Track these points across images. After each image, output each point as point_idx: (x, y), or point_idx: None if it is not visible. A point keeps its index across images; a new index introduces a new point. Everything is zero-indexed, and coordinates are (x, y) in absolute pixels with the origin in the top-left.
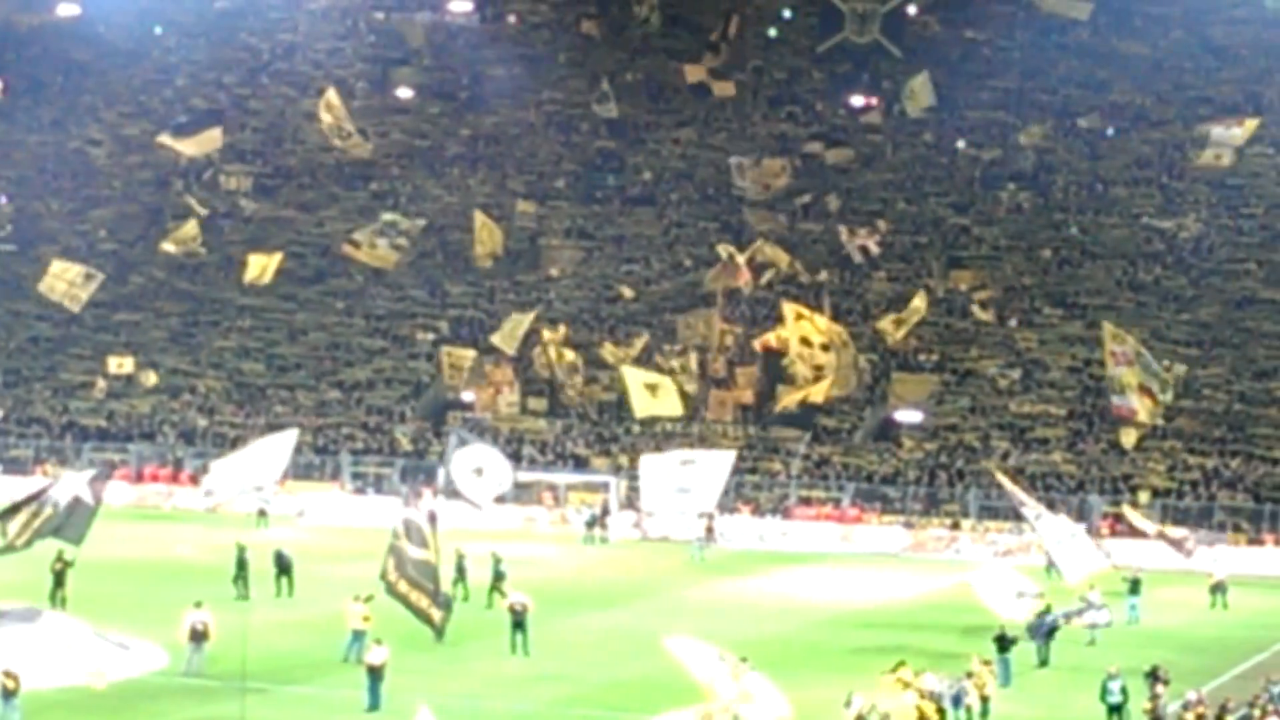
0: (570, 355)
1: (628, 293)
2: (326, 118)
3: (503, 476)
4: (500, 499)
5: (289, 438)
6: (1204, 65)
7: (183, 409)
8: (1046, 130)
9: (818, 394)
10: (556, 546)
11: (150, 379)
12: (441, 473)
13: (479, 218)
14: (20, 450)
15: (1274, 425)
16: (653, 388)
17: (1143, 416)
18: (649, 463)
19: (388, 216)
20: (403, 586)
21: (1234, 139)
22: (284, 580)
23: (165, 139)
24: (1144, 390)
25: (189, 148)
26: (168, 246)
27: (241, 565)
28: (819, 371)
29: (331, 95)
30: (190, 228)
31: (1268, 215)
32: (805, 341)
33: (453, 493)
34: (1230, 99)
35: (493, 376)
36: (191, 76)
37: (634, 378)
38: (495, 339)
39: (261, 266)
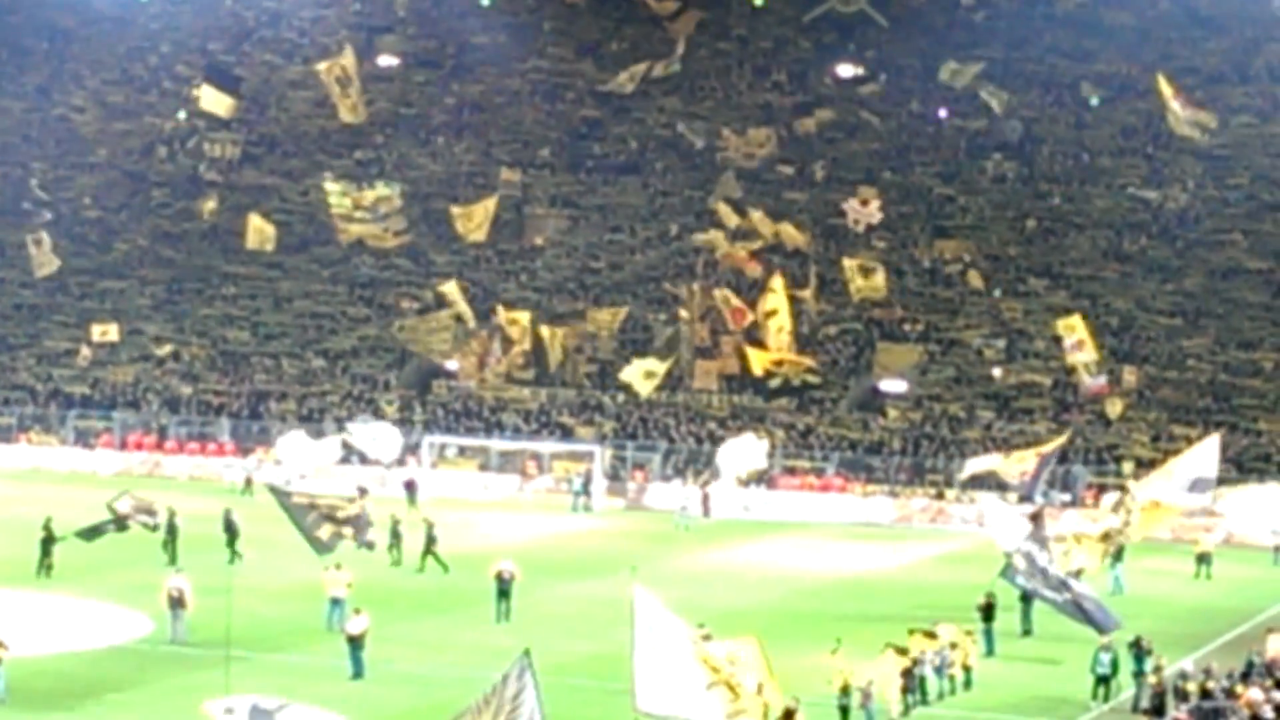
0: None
1: (612, 261)
2: (337, 74)
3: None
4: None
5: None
6: (1191, 35)
7: (166, 377)
8: (1012, 96)
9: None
10: (541, 515)
11: (165, 349)
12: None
13: (456, 211)
14: (4, 418)
15: (1258, 395)
16: (651, 374)
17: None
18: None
19: (369, 192)
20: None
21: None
22: (232, 546)
23: (204, 89)
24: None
25: (213, 106)
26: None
27: (172, 531)
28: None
29: (348, 54)
30: (210, 203)
31: (1253, 186)
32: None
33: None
34: (1217, 69)
35: (476, 345)
36: (176, 44)
37: (636, 367)
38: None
39: (259, 230)
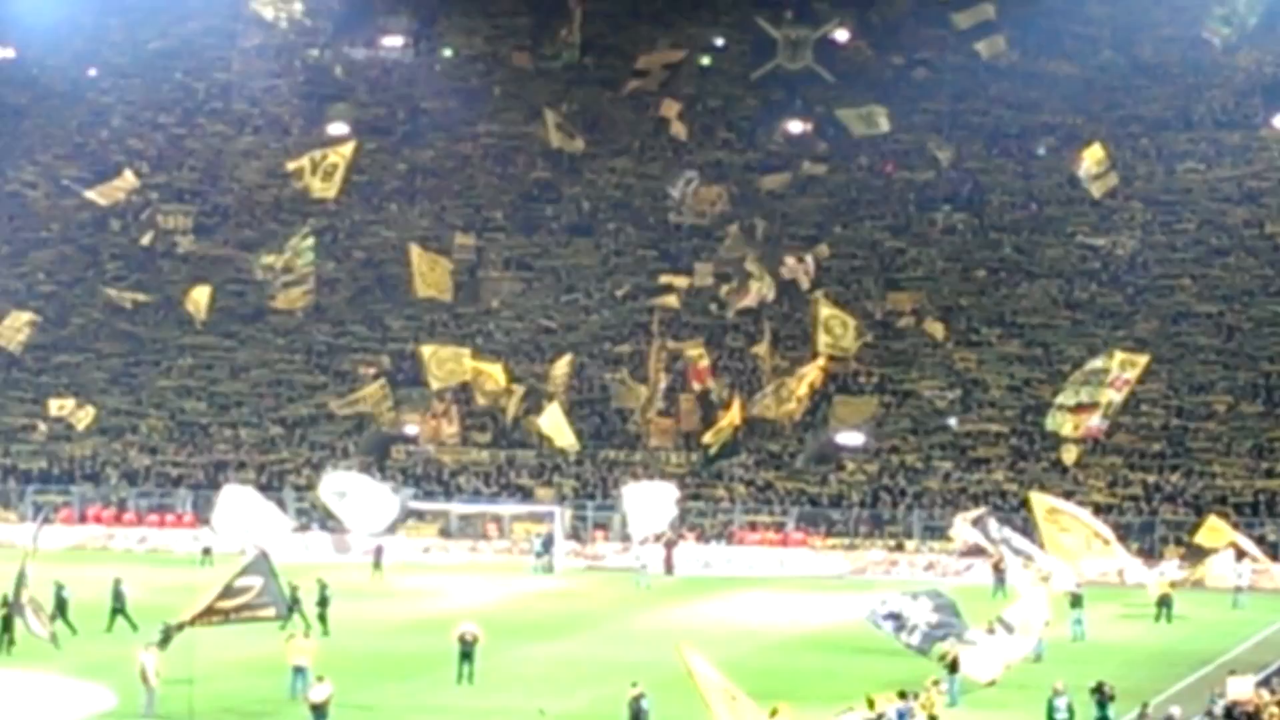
0: (502, 384)
1: (567, 323)
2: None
3: (379, 503)
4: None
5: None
6: (1134, 84)
7: (125, 449)
8: (957, 150)
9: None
10: (502, 577)
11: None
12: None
13: (415, 252)
14: None
15: (1212, 439)
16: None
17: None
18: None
19: (267, 260)
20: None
21: (1093, 169)
22: (119, 614)
23: (90, 194)
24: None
25: (108, 197)
26: (111, 293)
27: (61, 605)
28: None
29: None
30: (128, 293)
31: (1200, 231)
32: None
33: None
34: (1161, 116)
35: (435, 409)
36: (127, 118)
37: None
38: (431, 378)
39: (195, 302)
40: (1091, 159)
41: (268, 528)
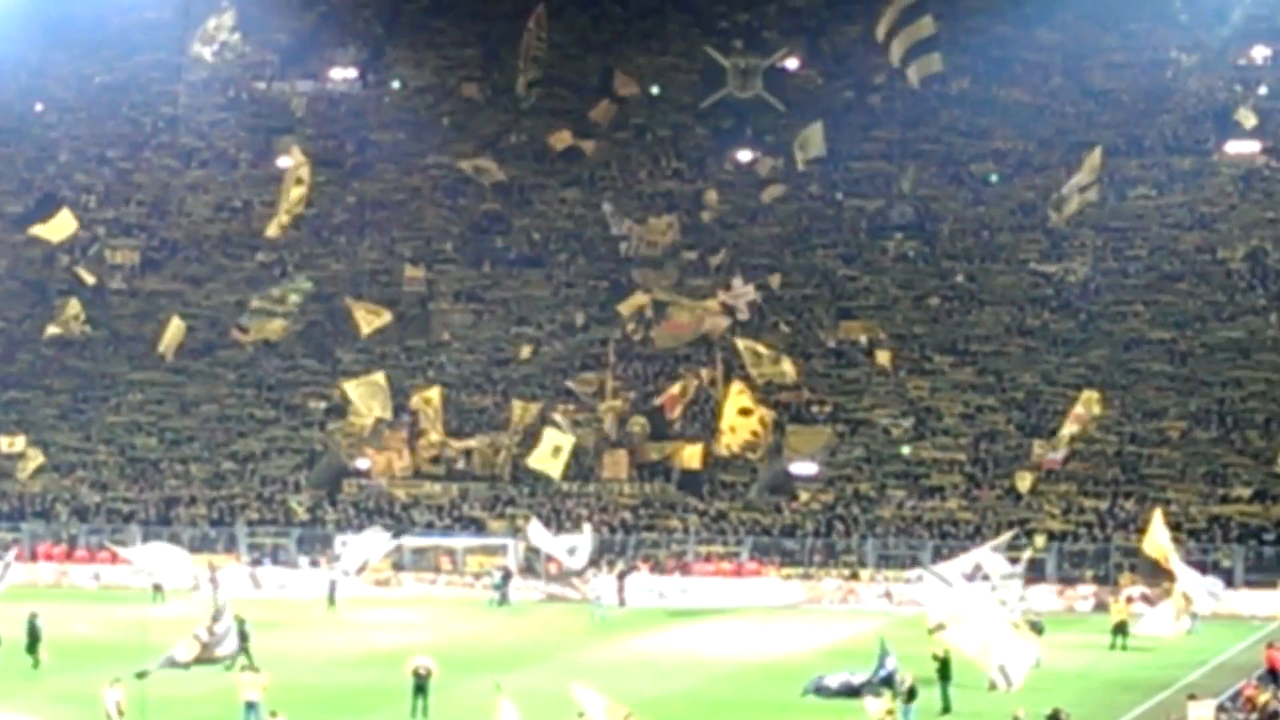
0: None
1: (522, 354)
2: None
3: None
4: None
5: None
6: (1084, 109)
7: (75, 486)
8: (919, 173)
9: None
10: (456, 610)
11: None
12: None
13: (354, 306)
14: None
15: (1166, 465)
16: (557, 449)
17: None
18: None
19: (264, 295)
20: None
21: (1086, 178)
22: (33, 651)
23: (35, 230)
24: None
25: (53, 234)
26: (53, 330)
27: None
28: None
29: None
30: (73, 306)
31: (1152, 257)
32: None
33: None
34: (1112, 142)
35: (388, 442)
36: (74, 153)
37: (550, 436)
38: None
39: (173, 339)
40: (1089, 167)
41: (172, 567)
